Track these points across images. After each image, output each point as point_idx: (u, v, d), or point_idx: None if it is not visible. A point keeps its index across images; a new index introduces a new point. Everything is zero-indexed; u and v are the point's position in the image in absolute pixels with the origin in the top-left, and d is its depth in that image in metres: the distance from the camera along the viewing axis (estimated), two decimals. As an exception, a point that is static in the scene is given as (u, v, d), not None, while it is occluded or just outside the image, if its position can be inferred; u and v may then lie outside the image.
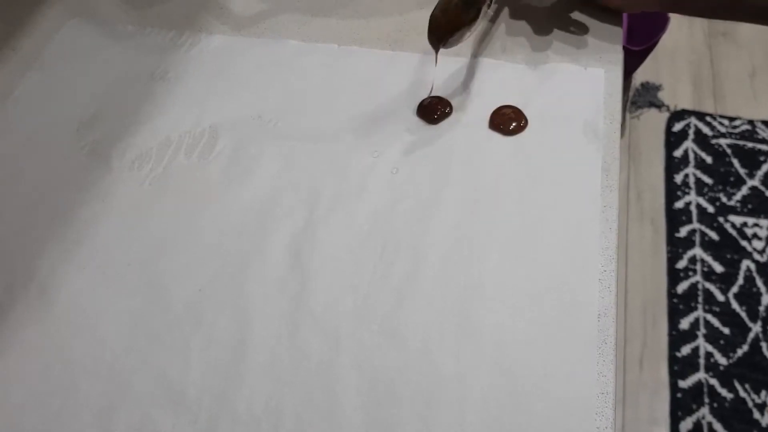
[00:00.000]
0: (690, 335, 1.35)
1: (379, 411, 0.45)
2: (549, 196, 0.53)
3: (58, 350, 0.49)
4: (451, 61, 0.62)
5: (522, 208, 0.52)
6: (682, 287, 1.41)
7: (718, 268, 1.43)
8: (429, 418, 0.44)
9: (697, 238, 1.47)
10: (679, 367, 1.32)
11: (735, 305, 1.38)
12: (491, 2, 0.58)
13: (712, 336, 1.35)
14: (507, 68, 0.61)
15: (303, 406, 0.45)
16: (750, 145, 1.61)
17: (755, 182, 1.54)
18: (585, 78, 0.59)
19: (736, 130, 1.63)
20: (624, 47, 1.26)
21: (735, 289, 1.40)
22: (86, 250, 0.53)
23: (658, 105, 1.68)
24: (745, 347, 1.33)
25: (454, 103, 0.59)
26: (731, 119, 1.65)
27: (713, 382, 1.30)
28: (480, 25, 0.59)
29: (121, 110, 0.62)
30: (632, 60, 1.52)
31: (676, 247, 1.47)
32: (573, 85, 0.58)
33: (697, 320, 1.37)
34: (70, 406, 0.46)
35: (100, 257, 0.53)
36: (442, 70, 0.61)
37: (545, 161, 0.55)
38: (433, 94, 0.59)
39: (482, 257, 0.50)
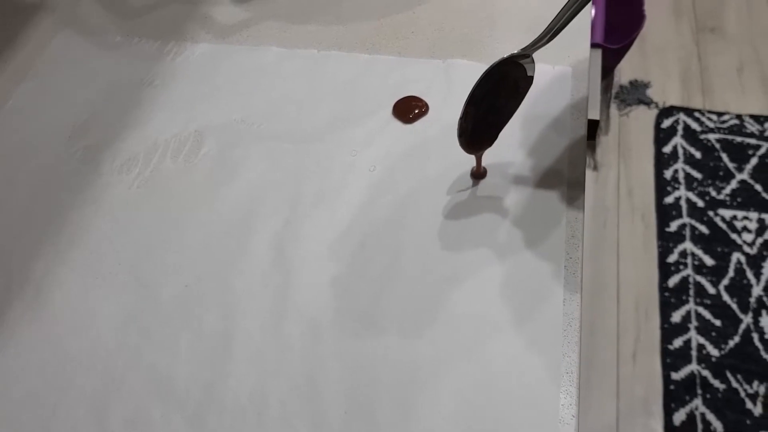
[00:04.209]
0: (682, 328, 1.37)
1: (360, 396, 0.46)
2: (518, 191, 0.55)
3: (54, 347, 0.51)
4: (426, 62, 0.64)
5: (493, 203, 0.55)
6: (673, 281, 1.43)
7: (709, 261, 1.44)
8: (407, 401, 0.46)
9: (688, 232, 1.49)
10: (672, 360, 1.33)
11: (726, 297, 1.39)
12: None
13: (704, 328, 1.36)
14: (480, 68, 0.63)
15: (287, 394, 0.47)
16: (738, 139, 1.62)
17: (744, 176, 1.56)
18: (553, 76, 0.61)
19: (725, 125, 1.65)
20: (602, 45, 1.29)
21: (726, 281, 1.41)
22: (79, 251, 0.55)
23: (647, 102, 1.70)
24: (737, 338, 1.34)
25: (429, 102, 0.61)
26: (719, 114, 1.67)
27: (706, 373, 1.31)
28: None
29: (111, 117, 0.64)
30: (611, 58, 1.54)
31: (666, 241, 1.48)
32: (541, 83, 0.60)
33: (688, 313, 1.38)
34: (66, 400, 0.48)
35: (92, 258, 0.55)
36: (418, 70, 0.63)
37: (515, 158, 0.57)
38: (408, 94, 0.61)
39: (456, 249, 0.52)
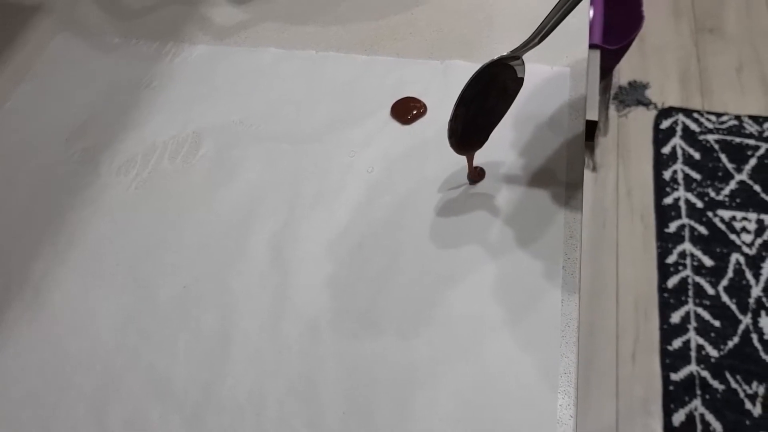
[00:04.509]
0: (681, 329, 1.37)
1: (358, 397, 0.47)
2: (516, 192, 0.55)
3: (54, 348, 0.51)
4: (424, 63, 0.64)
5: (490, 203, 0.55)
6: (672, 282, 1.43)
7: (708, 262, 1.45)
8: (405, 401, 0.46)
9: (687, 233, 1.49)
10: (671, 360, 1.33)
11: (725, 298, 1.40)
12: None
13: (703, 329, 1.36)
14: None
15: (285, 394, 0.47)
16: (737, 140, 1.63)
17: (743, 176, 1.56)
18: (551, 76, 0.61)
19: (724, 126, 1.65)
20: (600, 46, 1.29)
21: (725, 282, 1.42)
22: (77, 252, 0.55)
23: (646, 103, 1.71)
24: (736, 339, 1.35)
25: (427, 103, 0.61)
26: (718, 115, 1.67)
27: (705, 374, 1.31)
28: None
29: (110, 118, 0.64)
30: (610, 58, 1.54)
31: (665, 242, 1.49)
32: (540, 83, 0.61)
33: (687, 314, 1.39)
34: (65, 400, 0.48)
35: (90, 258, 0.55)
36: (416, 71, 0.63)
37: (512, 158, 0.57)
38: (406, 95, 0.61)
39: (455, 250, 0.53)
